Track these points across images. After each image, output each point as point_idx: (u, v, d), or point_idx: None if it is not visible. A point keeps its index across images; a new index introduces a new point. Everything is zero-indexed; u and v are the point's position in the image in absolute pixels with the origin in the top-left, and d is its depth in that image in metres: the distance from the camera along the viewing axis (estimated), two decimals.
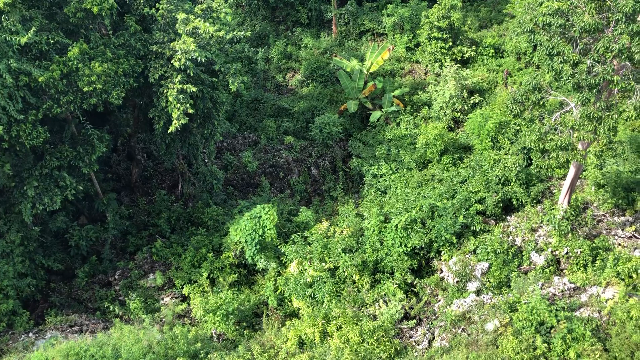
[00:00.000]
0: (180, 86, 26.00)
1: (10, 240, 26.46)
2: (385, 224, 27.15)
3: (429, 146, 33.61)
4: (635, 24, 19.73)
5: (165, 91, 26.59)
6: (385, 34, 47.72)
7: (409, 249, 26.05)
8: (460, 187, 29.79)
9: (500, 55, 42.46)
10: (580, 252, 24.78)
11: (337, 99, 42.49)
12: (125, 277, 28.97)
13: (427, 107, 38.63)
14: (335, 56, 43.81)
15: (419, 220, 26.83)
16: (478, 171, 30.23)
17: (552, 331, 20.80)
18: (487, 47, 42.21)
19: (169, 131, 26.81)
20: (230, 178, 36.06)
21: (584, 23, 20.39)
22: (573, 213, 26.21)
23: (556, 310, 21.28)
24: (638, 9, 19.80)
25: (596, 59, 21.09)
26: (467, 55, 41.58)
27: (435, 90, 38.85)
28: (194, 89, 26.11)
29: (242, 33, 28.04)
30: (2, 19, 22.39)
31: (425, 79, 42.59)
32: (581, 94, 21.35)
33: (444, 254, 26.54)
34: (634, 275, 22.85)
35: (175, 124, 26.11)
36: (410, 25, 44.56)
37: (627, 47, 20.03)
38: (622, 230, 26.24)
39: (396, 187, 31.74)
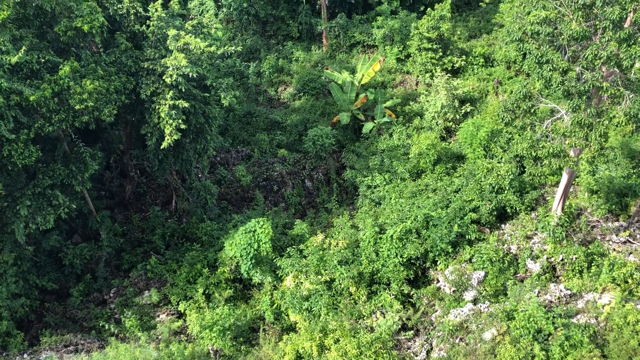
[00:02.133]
0: (172, 102, 26.01)
1: (3, 260, 26.24)
2: (381, 235, 27.13)
3: (422, 156, 33.69)
4: (623, 31, 19.94)
5: (157, 107, 26.60)
6: (375, 46, 48.00)
7: (404, 260, 26.01)
8: (454, 196, 29.84)
9: (491, 64, 42.76)
10: (576, 258, 24.82)
11: (330, 111, 42.62)
12: (120, 295, 28.76)
13: (419, 117, 38.79)
14: (327, 69, 44.00)
15: (414, 231, 26.82)
16: (471, 180, 30.31)
17: (549, 338, 20.77)
18: (477, 56, 42.52)
19: (161, 147, 26.77)
20: (224, 192, 35.99)
21: (572, 31, 20.58)
22: (567, 219, 26.29)
23: (553, 317, 21.27)
24: (625, 16, 20.03)
25: (585, 66, 21.28)
26: (457, 65, 41.86)
27: (427, 101, 39.03)
28: (186, 105, 26.13)
29: (233, 48, 28.14)
30: None
31: (416, 90, 42.80)
32: (571, 101, 21.51)
33: (440, 263, 26.52)
34: (630, 280, 22.89)
35: (167, 139, 26.08)
36: (400, 36, 44.85)
37: (615, 53, 20.23)
38: (617, 235, 26.32)
39: (390, 198, 31.75)
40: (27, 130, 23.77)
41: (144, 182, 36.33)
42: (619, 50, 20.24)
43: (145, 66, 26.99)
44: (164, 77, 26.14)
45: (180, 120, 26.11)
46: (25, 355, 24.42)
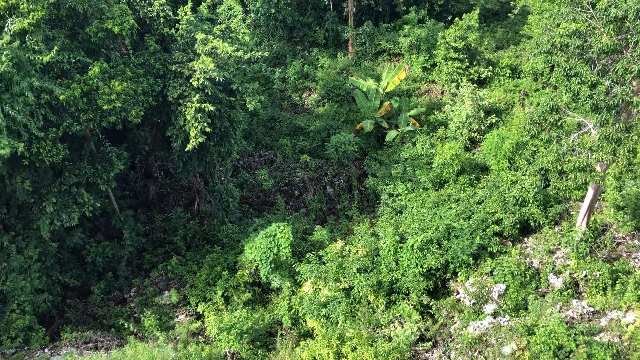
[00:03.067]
0: (198, 105, 26.27)
1: (28, 255, 26.70)
2: (401, 244, 26.99)
3: (445, 166, 33.47)
4: None
5: (183, 110, 26.89)
6: (401, 54, 47.93)
7: (424, 270, 25.83)
8: (477, 207, 29.58)
9: (517, 75, 42.38)
10: (600, 275, 24.37)
11: (353, 118, 42.62)
12: (140, 294, 29.04)
13: (443, 127, 38.58)
14: (352, 76, 44.04)
15: (435, 241, 26.63)
16: (495, 192, 30.00)
17: (570, 356, 20.40)
18: (504, 67, 42.18)
19: (186, 149, 27.04)
20: (246, 196, 36.18)
21: (602, 44, 20.30)
22: (592, 235, 25.86)
23: (575, 334, 20.89)
24: None
25: (615, 80, 20.96)
26: (483, 76, 41.56)
27: (452, 110, 38.81)
28: (212, 108, 26.37)
29: (260, 53, 28.35)
30: (27, 39, 22.89)
31: (441, 99, 42.60)
32: (600, 115, 21.19)
33: (461, 275, 26.27)
34: None
35: (192, 142, 26.33)
36: (427, 45, 44.72)
37: None
38: None
39: (412, 207, 31.59)
40: (55, 128, 24.21)
41: (168, 183, 36.70)
42: None
43: (173, 69, 27.32)
44: (191, 80, 26.42)
45: (205, 124, 26.35)
46: (46, 350, 24.77)
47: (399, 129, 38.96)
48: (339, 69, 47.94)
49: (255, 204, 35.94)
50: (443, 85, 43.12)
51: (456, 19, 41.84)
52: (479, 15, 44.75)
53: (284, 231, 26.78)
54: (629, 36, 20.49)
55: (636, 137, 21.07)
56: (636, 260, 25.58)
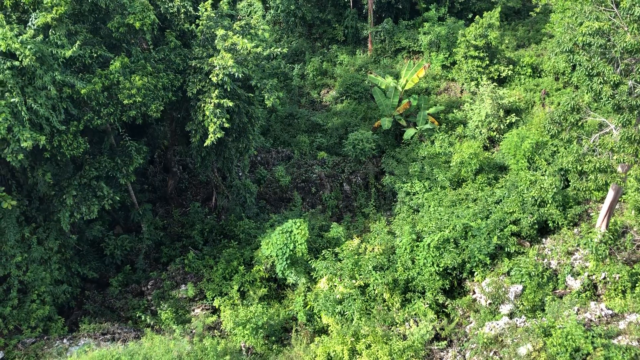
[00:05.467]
0: (217, 101, 26.42)
1: (49, 247, 27.12)
2: (418, 243, 26.91)
3: (463, 165, 33.26)
4: None
5: (202, 105, 27.07)
6: (421, 52, 47.69)
7: (441, 269, 25.73)
8: (495, 207, 29.35)
9: (538, 75, 41.93)
10: (619, 277, 24.07)
11: (371, 115, 42.53)
12: (157, 288, 29.34)
13: (462, 125, 38.33)
14: (371, 73, 43.93)
15: (452, 240, 26.50)
16: (513, 192, 29.74)
17: (587, 358, 20.20)
18: (524, 66, 41.77)
19: (204, 144, 27.22)
20: (263, 192, 36.33)
21: (626, 43, 20.01)
22: (611, 237, 25.53)
23: (592, 336, 20.67)
24: None
25: (638, 80, 20.64)
26: (504, 74, 41.19)
27: (471, 109, 38.52)
28: (231, 104, 26.51)
29: (279, 50, 28.41)
30: (50, 33, 23.20)
31: (460, 98, 42.32)
32: (622, 116, 20.90)
33: (477, 274, 26.12)
34: None
35: (211, 137, 26.50)
36: (447, 43, 44.43)
37: None
38: None
39: (429, 206, 31.46)
40: (76, 122, 24.52)
41: (186, 178, 36.98)
42: None
43: (193, 64, 27.50)
44: (210, 76, 26.58)
45: (224, 119, 26.50)
46: (64, 341, 25.15)
47: (417, 127, 38.79)
48: (358, 66, 47.85)
49: (272, 200, 36.08)
50: (462, 84, 42.83)
51: (477, 17, 41.48)
52: (500, 14, 44.31)
53: (300, 227, 26.85)
54: None
55: None
56: None
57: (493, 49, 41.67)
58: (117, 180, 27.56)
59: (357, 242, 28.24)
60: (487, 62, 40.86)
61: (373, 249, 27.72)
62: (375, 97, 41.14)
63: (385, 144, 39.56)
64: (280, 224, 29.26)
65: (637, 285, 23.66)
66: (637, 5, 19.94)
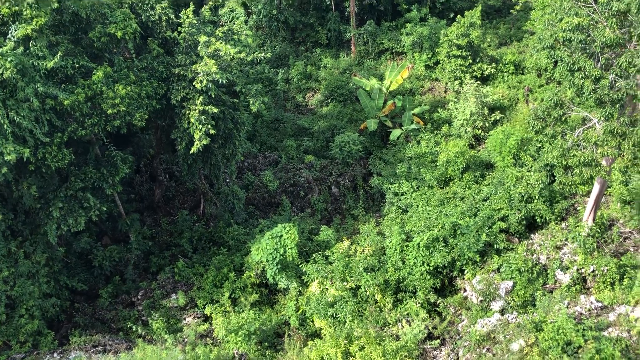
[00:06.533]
0: (202, 107, 26.34)
1: (36, 260, 26.84)
2: (407, 243, 26.97)
3: (450, 164, 33.41)
4: None
5: (187, 112, 26.97)
6: (404, 53, 47.89)
7: (431, 268, 25.80)
8: (483, 204, 29.52)
9: (521, 72, 42.27)
10: (607, 270, 24.29)
11: (357, 117, 42.61)
12: (147, 297, 29.13)
13: (447, 124, 38.52)
14: (355, 75, 44.03)
15: (441, 239, 26.60)
16: (500, 189, 29.94)
17: (579, 351, 20.33)
18: (507, 64, 42.09)
19: (190, 152, 27.12)
20: (251, 197, 36.24)
21: (606, 38, 20.25)
22: (598, 230, 25.78)
23: (583, 329, 20.81)
24: None
25: (619, 74, 20.88)
26: (487, 73, 41.48)
27: (456, 108, 38.74)
28: (216, 110, 26.44)
29: (263, 54, 28.41)
30: (30, 45, 23.01)
31: (445, 97, 42.54)
32: (604, 110, 21.13)
33: (467, 272, 26.23)
34: None
35: (197, 144, 26.41)
36: (429, 43, 44.66)
37: None
38: None
39: (417, 205, 31.56)
40: (60, 133, 24.33)
41: (173, 186, 36.78)
42: None
43: (176, 72, 27.41)
44: (194, 83, 26.50)
45: (209, 126, 26.42)
46: (55, 355, 24.89)
47: (403, 128, 38.92)
48: (342, 68, 47.94)
49: (261, 205, 35.99)
50: (446, 83, 43.07)
51: (458, 16, 41.75)
52: (481, 12, 44.63)
53: (290, 232, 26.81)
54: (632, 29, 20.43)
55: None
56: None
57: (475, 48, 41.95)
58: (104, 190, 27.36)
59: (347, 244, 28.26)
60: (470, 61, 41.13)
61: (363, 250, 27.74)
62: (360, 99, 41.24)
63: (372, 146, 39.65)
64: (269, 229, 29.19)
65: (625, 277, 23.89)
66: (614, 0, 20.19)
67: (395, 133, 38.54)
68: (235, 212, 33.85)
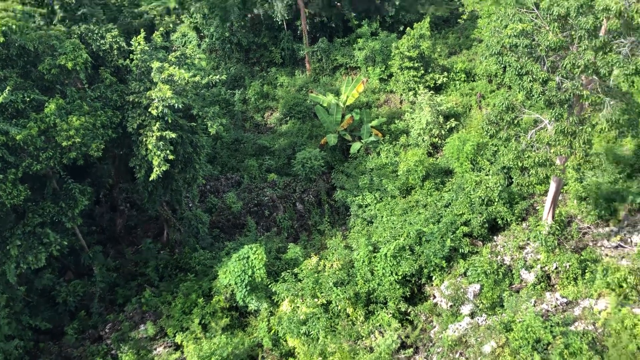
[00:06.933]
0: (159, 133, 26.09)
1: None
2: (375, 254, 27.13)
3: (410, 173, 33.90)
4: (598, 40, 20.36)
5: (144, 139, 26.67)
6: (358, 67, 48.53)
7: (400, 277, 26.00)
8: (445, 210, 29.98)
9: (472, 79, 43.32)
10: (569, 265, 24.94)
11: (317, 133, 42.88)
12: (116, 330, 28.43)
13: (405, 134, 39.11)
14: (312, 92, 44.37)
15: (408, 247, 26.87)
16: (461, 194, 30.49)
17: (549, 347, 20.77)
18: (458, 72, 43.09)
19: (150, 179, 26.77)
20: (215, 220, 35.91)
21: (549, 42, 21.00)
22: (558, 228, 26.47)
23: (551, 326, 21.29)
24: (599, 25, 20.48)
25: (564, 76, 21.65)
26: (439, 82, 42.38)
27: (412, 118, 39.40)
28: (173, 135, 26.23)
29: (218, 77, 28.39)
30: None
31: (401, 108, 43.21)
32: (553, 110, 21.84)
33: (435, 279, 26.53)
34: (624, 285, 23.01)
35: (156, 171, 26.10)
36: (382, 57, 45.41)
37: (593, 61, 20.61)
38: (608, 240, 26.51)
39: (382, 216, 31.83)
40: (14, 169, 23.71)
41: (135, 215, 36.16)
42: (595, 58, 20.64)
43: (131, 99, 27.12)
44: (149, 110, 26.26)
45: (168, 151, 26.17)
46: None
47: (362, 141, 39.34)
48: (298, 86, 48.25)
49: (226, 228, 35.70)
50: (401, 94, 43.78)
51: (408, 28, 42.66)
52: (430, 24, 45.67)
53: (257, 252, 26.66)
54: (573, 32, 21.24)
55: (590, 129, 21.77)
56: (602, 248, 26.27)
57: (427, 59, 42.87)
58: (63, 224, 26.70)
59: (316, 260, 28.24)
60: (423, 71, 41.98)
61: (332, 265, 27.77)
62: (318, 115, 41.56)
63: (334, 160, 39.93)
64: (236, 251, 28.96)
65: (586, 271, 24.55)
66: (555, 5, 20.99)
67: (355, 146, 38.92)
68: (200, 236, 33.47)
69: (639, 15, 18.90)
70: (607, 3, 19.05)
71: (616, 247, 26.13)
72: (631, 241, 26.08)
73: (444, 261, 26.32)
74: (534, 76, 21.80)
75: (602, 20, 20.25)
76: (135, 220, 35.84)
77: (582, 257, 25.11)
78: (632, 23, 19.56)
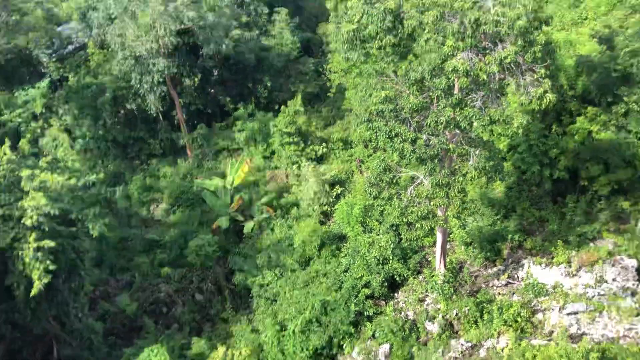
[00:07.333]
0: (37, 244, 24.44)
1: None
2: (283, 332, 26.68)
3: (306, 244, 34.14)
4: (453, 97, 22.30)
5: (20, 253, 24.83)
6: (240, 149, 49.06)
7: (311, 352, 25.66)
8: (345, 276, 30.31)
9: (350, 146, 45.20)
10: (468, 310, 25.91)
11: (207, 218, 42.20)
12: None
13: (295, 207, 39.64)
14: (197, 178, 44.07)
15: (314, 320, 26.70)
16: (357, 257, 31.04)
17: None
18: (335, 141, 44.96)
19: (32, 294, 24.76)
20: (110, 328, 33.62)
21: (411, 104, 22.67)
22: (451, 275, 27.62)
23: None
24: (452, 84, 22.49)
25: (430, 133, 23.30)
26: (320, 153, 43.94)
27: (300, 190, 40.19)
28: (52, 244, 24.67)
29: (94, 177, 27.56)
30: None
31: (287, 182, 43.96)
32: (426, 166, 23.31)
33: (346, 347, 26.45)
34: (519, 319, 24.27)
35: (37, 285, 24.25)
36: (262, 135, 46.48)
37: (452, 117, 22.44)
38: (498, 279, 28.05)
39: (285, 292, 31.53)
40: None
41: (18, 336, 32.86)
42: (454, 114, 22.50)
43: (1, 213, 25.34)
44: (23, 221, 24.64)
45: (48, 262, 24.51)
46: None
47: (254, 219, 39.29)
48: (182, 174, 47.66)
49: (122, 333, 33.50)
50: (286, 169, 44.66)
51: (282, 107, 44.24)
52: (302, 100, 47.62)
53: (158, 354, 25.25)
54: (431, 93, 23.12)
55: (462, 178, 23.39)
56: (494, 288, 27.72)
57: (305, 132, 44.45)
58: None
59: (223, 351, 27.17)
60: (303, 145, 43.43)
61: (240, 353, 26.82)
62: (207, 200, 41.14)
63: (228, 243, 39.34)
64: (136, 357, 27.17)
65: (484, 312, 25.63)
66: (411, 70, 22.84)
67: (249, 226, 38.78)
68: (94, 347, 31.03)
69: (483, 72, 21.03)
70: (454, 65, 21.04)
71: (506, 284, 27.69)
72: (517, 277, 27.79)
73: (351, 327, 26.39)
74: (403, 137, 23.25)
75: (454, 79, 22.26)
76: (19, 342, 32.53)
77: (478, 300, 26.24)
78: (479, 80, 21.70)
